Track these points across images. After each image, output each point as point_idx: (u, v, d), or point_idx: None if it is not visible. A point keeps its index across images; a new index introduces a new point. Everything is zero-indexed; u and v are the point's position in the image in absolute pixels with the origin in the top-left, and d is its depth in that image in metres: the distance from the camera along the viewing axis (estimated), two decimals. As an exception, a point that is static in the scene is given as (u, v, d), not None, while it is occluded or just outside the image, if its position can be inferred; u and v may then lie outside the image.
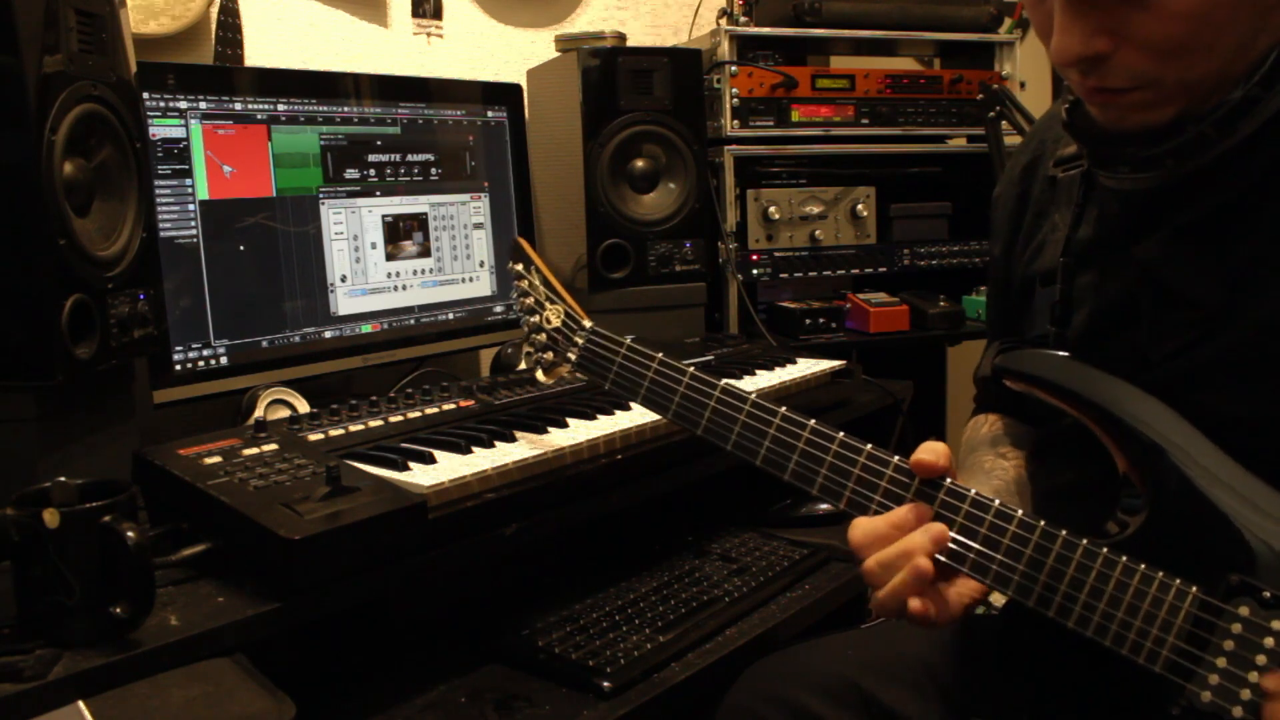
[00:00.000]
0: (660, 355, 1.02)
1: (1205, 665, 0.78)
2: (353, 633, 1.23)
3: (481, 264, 1.87)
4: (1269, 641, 0.77)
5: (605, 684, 1.10)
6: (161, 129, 1.43)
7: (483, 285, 1.88)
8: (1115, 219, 0.91)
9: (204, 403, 1.49)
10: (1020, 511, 0.84)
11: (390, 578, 1.05)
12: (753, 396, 0.94)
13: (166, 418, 1.46)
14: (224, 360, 1.50)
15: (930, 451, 0.86)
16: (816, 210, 2.15)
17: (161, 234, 1.41)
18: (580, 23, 2.35)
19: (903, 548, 0.84)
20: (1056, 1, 0.79)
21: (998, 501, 0.85)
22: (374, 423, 1.29)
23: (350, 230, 1.66)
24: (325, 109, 1.63)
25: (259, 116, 1.55)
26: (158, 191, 1.41)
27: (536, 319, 1.14)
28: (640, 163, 1.96)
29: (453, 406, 1.38)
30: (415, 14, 2.13)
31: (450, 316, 1.82)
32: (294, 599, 0.97)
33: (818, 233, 2.14)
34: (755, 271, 2.09)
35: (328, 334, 1.64)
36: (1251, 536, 0.79)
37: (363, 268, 1.68)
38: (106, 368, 1.17)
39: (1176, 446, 0.82)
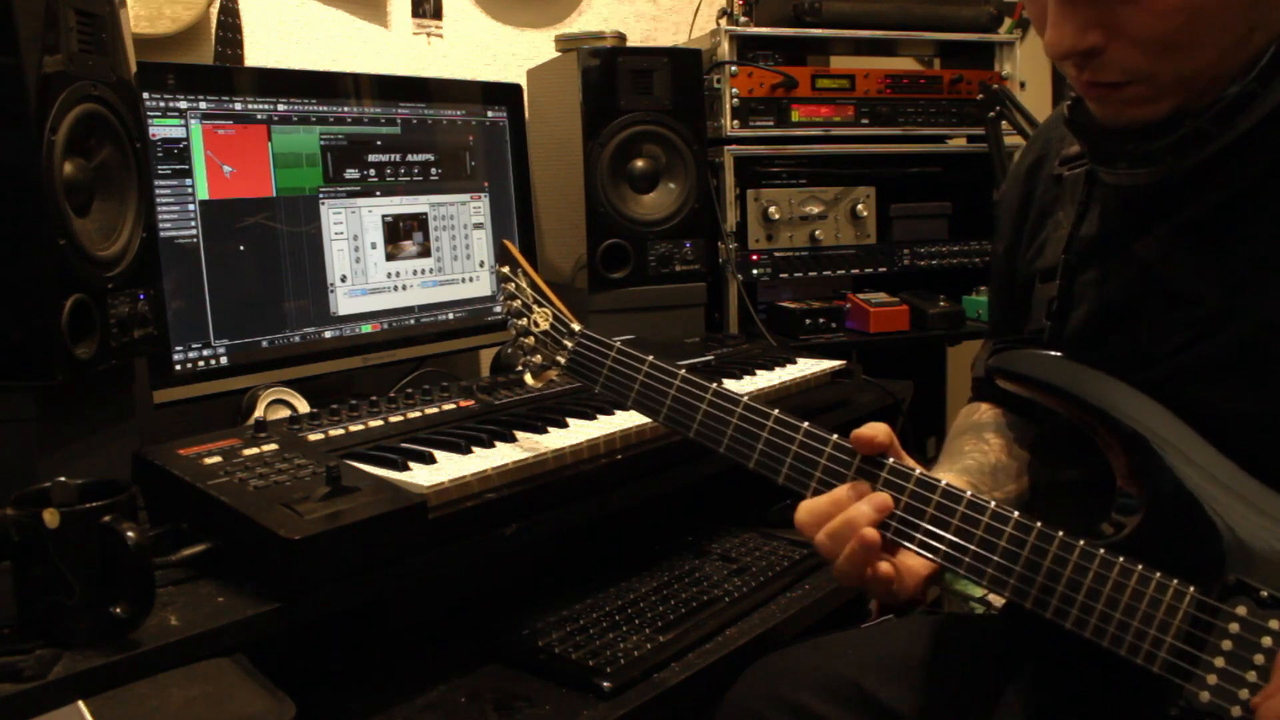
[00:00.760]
0: (651, 358, 1.01)
1: (1203, 665, 0.78)
2: (353, 633, 1.22)
3: (481, 264, 1.87)
4: (1267, 641, 0.77)
5: (605, 684, 1.10)
6: (161, 129, 1.43)
7: (483, 285, 1.88)
8: (1116, 216, 0.91)
9: (204, 403, 1.49)
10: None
11: (390, 578, 1.05)
12: (745, 399, 0.94)
13: (166, 418, 1.46)
14: (224, 360, 1.50)
15: (870, 427, 0.88)
16: (816, 210, 2.15)
17: (161, 234, 1.41)
18: (580, 23, 2.35)
19: (847, 517, 0.85)
20: None
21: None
22: (374, 423, 1.29)
23: (350, 230, 1.66)
24: (325, 109, 1.63)
25: (259, 116, 1.55)
26: (158, 191, 1.41)
27: (524, 322, 1.13)
28: (640, 163, 1.96)
29: (453, 406, 1.38)
30: (415, 14, 2.13)
31: (450, 316, 1.82)
32: (294, 599, 0.97)
33: (818, 233, 2.14)
34: (755, 271, 2.09)
35: (328, 334, 1.64)
36: (1248, 536, 0.79)
37: (363, 268, 1.68)
38: (106, 368, 1.17)
39: (1171, 446, 0.82)
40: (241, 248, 1.52)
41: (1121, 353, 0.87)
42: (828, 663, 1.10)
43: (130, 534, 0.87)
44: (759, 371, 1.62)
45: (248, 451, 1.14)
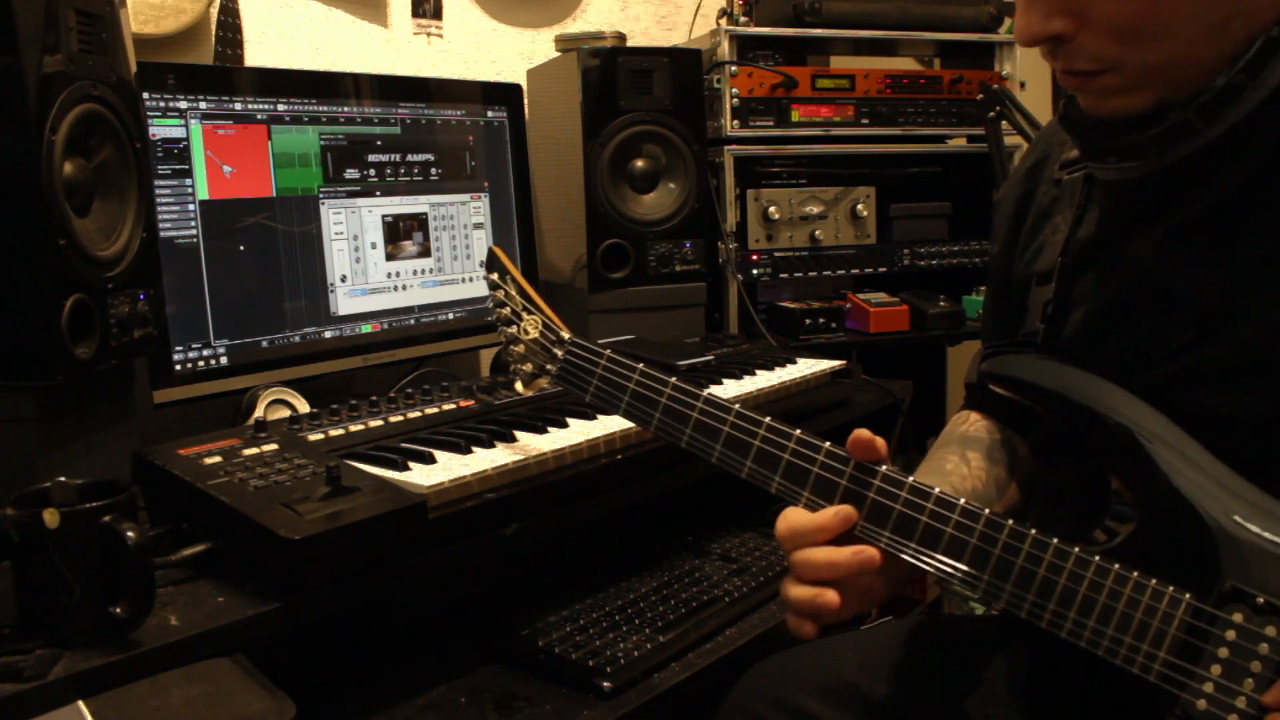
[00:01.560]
0: (641, 366, 1.00)
1: (1199, 674, 0.77)
2: (353, 633, 1.22)
3: (481, 264, 1.87)
4: (1263, 648, 0.76)
5: (605, 684, 1.10)
6: (161, 129, 1.43)
7: (482, 285, 1.86)
8: (1111, 217, 0.91)
9: (204, 403, 1.49)
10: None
11: (390, 578, 1.05)
12: (736, 408, 0.93)
13: (166, 418, 1.46)
14: (224, 360, 1.50)
15: (865, 433, 0.87)
16: (816, 210, 2.15)
17: (161, 234, 1.41)
18: (580, 23, 2.35)
19: (831, 560, 0.83)
20: None
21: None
22: (374, 423, 1.29)
23: (350, 230, 1.66)
24: (325, 109, 1.63)
25: (259, 116, 1.55)
26: (158, 191, 1.41)
27: (514, 330, 1.12)
28: (640, 163, 1.96)
29: (453, 406, 1.38)
30: (415, 14, 2.13)
31: (450, 316, 1.82)
32: (294, 599, 0.97)
33: (818, 233, 2.14)
34: (755, 271, 2.09)
35: (328, 334, 1.64)
36: (1244, 541, 0.78)
37: (363, 268, 1.68)
38: (106, 368, 1.17)
39: (1163, 444, 0.81)
40: (241, 248, 1.52)
41: (1118, 356, 0.86)
42: (826, 664, 1.10)
43: (130, 534, 0.87)
44: (759, 371, 1.62)
45: (248, 451, 1.14)
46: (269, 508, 1.00)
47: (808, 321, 2.08)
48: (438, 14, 2.16)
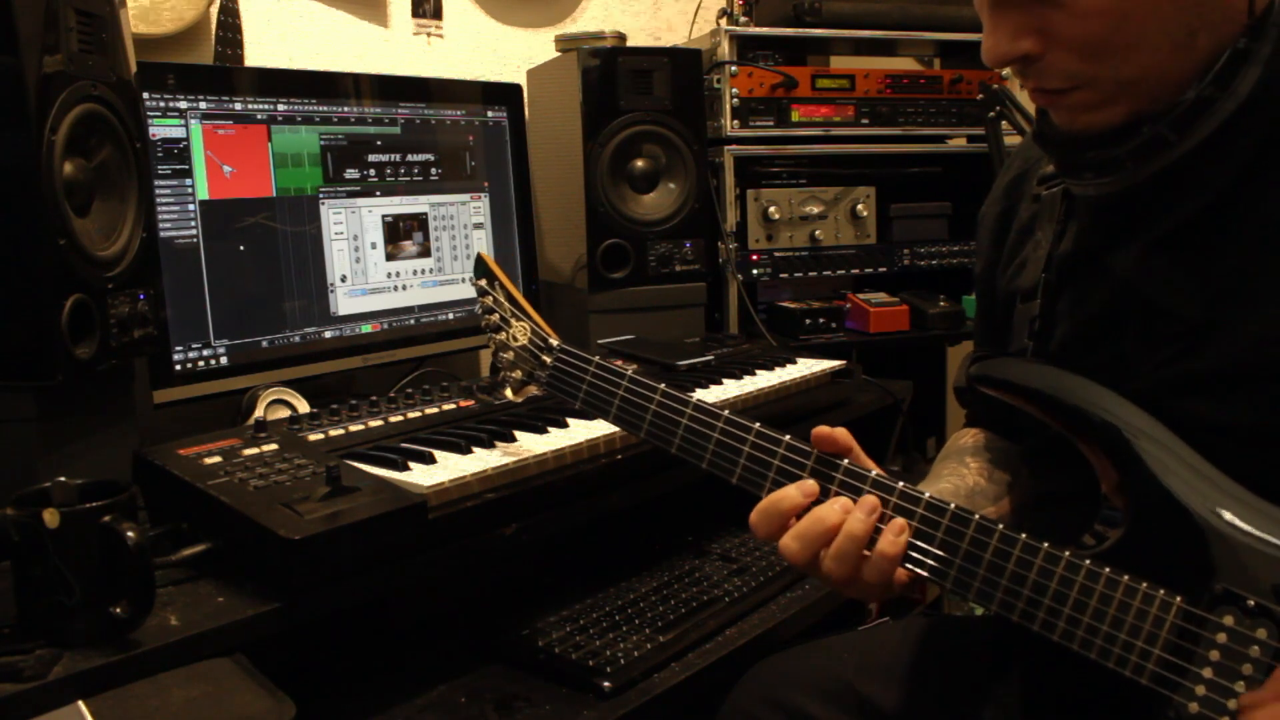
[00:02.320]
0: (631, 372, 1.00)
1: (1191, 676, 0.77)
2: (353, 633, 1.23)
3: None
4: (1254, 650, 0.76)
5: (605, 684, 1.10)
6: (161, 129, 1.43)
7: (483, 285, 1.87)
8: (1091, 231, 0.91)
9: (204, 403, 1.49)
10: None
11: (390, 578, 1.05)
12: (726, 414, 0.93)
13: (166, 418, 1.46)
14: (224, 360, 1.50)
15: (829, 428, 0.89)
16: (816, 210, 2.15)
17: (161, 234, 1.41)
18: (580, 23, 2.35)
19: (847, 530, 0.85)
20: (984, 4, 0.82)
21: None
22: (374, 423, 1.29)
23: (350, 230, 1.66)
24: (325, 109, 1.63)
25: (259, 116, 1.55)
26: (158, 191, 1.41)
27: (502, 336, 1.12)
28: (640, 163, 1.96)
29: (453, 406, 1.38)
30: (415, 14, 2.13)
31: (450, 316, 1.82)
32: (294, 599, 0.97)
33: (818, 233, 2.14)
34: (755, 271, 2.09)
35: (328, 334, 1.64)
36: (1235, 544, 0.78)
37: (363, 268, 1.68)
38: (106, 368, 1.17)
39: (1151, 440, 0.81)
40: (241, 248, 1.52)
41: (1105, 369, 0.86)
42: (824, 665, 1.10)
43: (130, 534, 0.87)
44: (759, 371, 1.62)
45: (248, 451, 1.14)
46: (269, 508, 1.00)
47: (808, 321, 2.08)
48: (438, 14, 2.16)
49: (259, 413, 1.47)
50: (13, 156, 1.06)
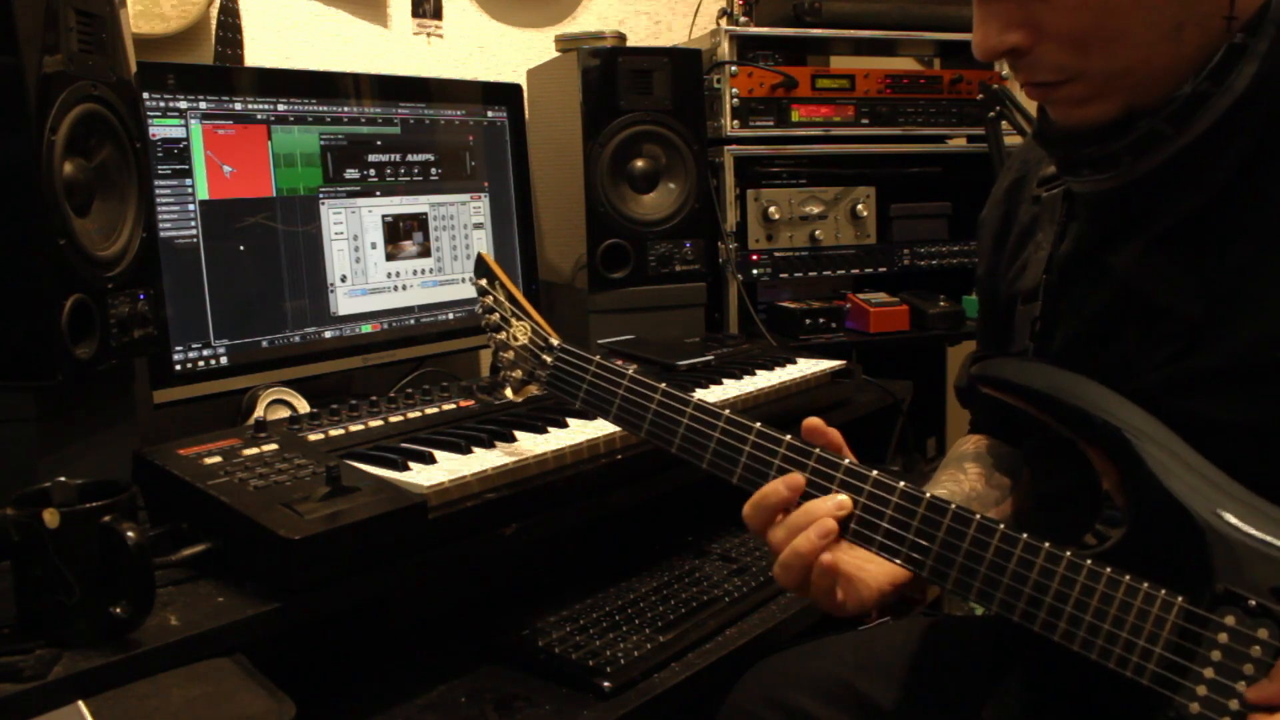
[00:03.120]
0: (632, 371, 1.00)
1: (1193, 676, 0.77)
2: (353, 633, 1.23)
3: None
4: (1256, 650, 0.76)
5: (605, 684, 1.10)
6: (161, 129, 1.43)
7: (483, 285, 1.87)
8: (1091, 230, 0.91)
9: (204, 403, 1.49)
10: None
11: (390, 577, 1.05)
12: (726, 413, 0.93)
13: (166, 418, 1.46)
14: (224, 360, 1.50)
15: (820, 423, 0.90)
16: (816, 210, 2.15)
17: (161, 234, 1.41)
18: (580, 23, 2.35)
19: (809, 511, 0.86)
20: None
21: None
22: (374, 423, 1.29)
23: (350, 230, 1.66)
24: (325, 109, 1.63)
25: (259, 116, 1.55)
26: (158, 191, 1.41)
27: (503, 336, 1.12)
28: (640, 163, 1.96)
29: (453, 406, 1.38)
30: (415, 14, 2.13)
31: (450, 316, 1.82)
32: (294, 599, 0.97)
33: (818, 233, 2.14)
34: (755, 271, 2.09)
35: (328, 334, 1.64)
36: (1236, 544, 0.77)
37: (363, 268, 1.68)
38: (106, 368, 1.17)
39: (1152, 441, 0.81)
40: (241, 248, 1.52)
41: (1106, 369, 0.86)
42: (824, 665, 1.10)
43: (130, 534, 0.87)
44: (759, 371, 1.62)
45: (248, 451, 1.14)
46: (269, 508, 1.00)
47: (808, 321, 2.08)
48: (438, 14, 2.16)
49: (259, 413, 1.47)
50: (13, 156, 1.06)
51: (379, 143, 1.70)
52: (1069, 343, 0.93)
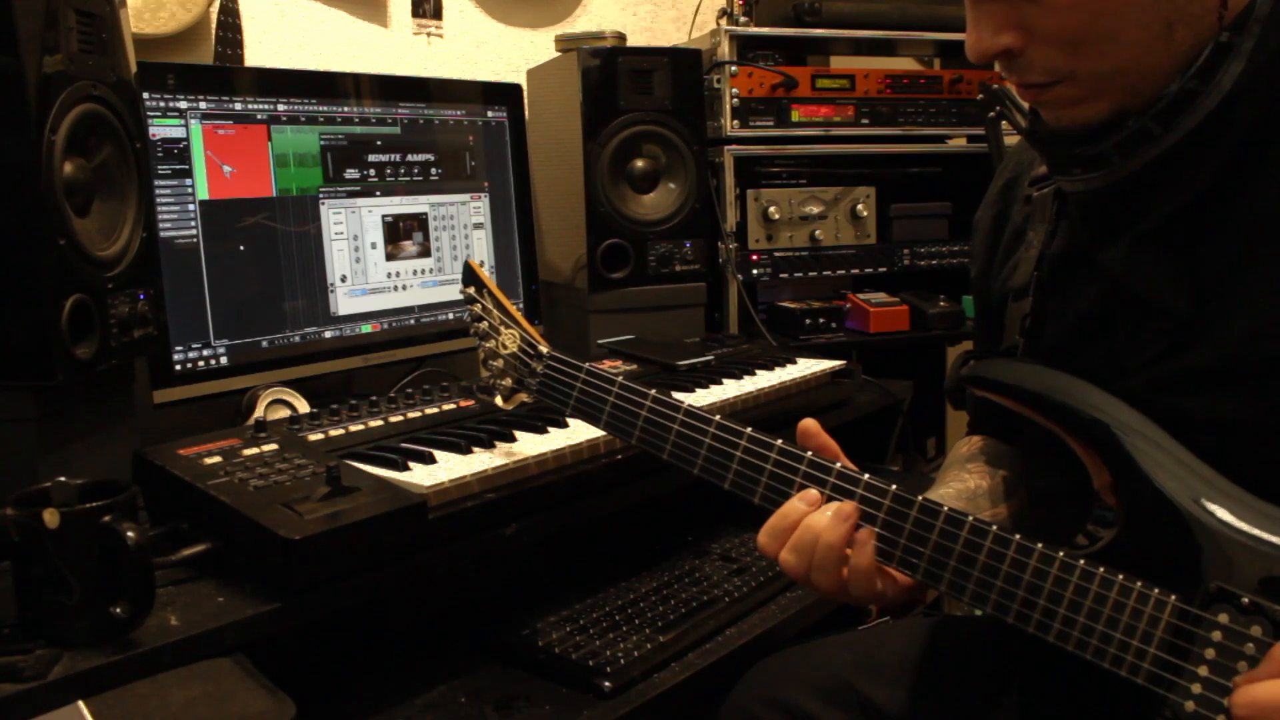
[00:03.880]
0: (620, 379, 1.00)
1: (1187, 675, 0.77)
2: (353, 633, 1.23)
3: (482, 264, 1.87)
4: (1249, 648, 0.76)
5: (605, 684, 1.10)
6: (161, 129, 1.43)
7: (483, 285, 1.87)
8: (1081, 228, 0.92)
9: (204, 403, 1.49)
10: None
11: (390, 578, 1.05)
12: (717, 419, 0.93)
13: (166, 418, 1.46)
14: (224, 360, 1.50)
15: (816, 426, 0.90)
16: (816, 210, 2.15)
17: (161, 234, 1.41)
18: (580, 23, 2.35)
19: (810, 527, 0.85)
20: (968, 1, 0.83)
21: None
22: (374, 423, 1.29)
23: (350, 230, 1.66)
24: (325, 109, 1.63)
25: (259, 116, 1.55)
26: (158, 191, 1.41)
27: (492, 344, 1.12)
28: (640, 163, 1.96)
29: (453, 406, 1.38)
30: (415, 14, 2.13)
31: (450, 316, 1.82)
32: (294, 599, 0.97)
33: (818, 233, 2.14)
34: (755, 271, 2.09)
35: (328, 334, 1.64)
36: (1227, 540, 0.78)
37: (363, 268, 1.68)
38: (106, 368, 1.17)
39: (1142, 438, 0.81)
40: (241, 248, 1.52)
41: (1096, 366, 0.86)
42: (823, 664, 1.10)
43: (130, 534, 0.87)
44: (759, 371, 1.62)
45: (248, 451, 1.14)
46: (269, 508, 1.00)
47: (808, 321, 2.08)
48: (438, 14, 2.16)
49: (259, 413, 1.47)
50: (13, 156, 1.05)
51: (379, 143, 1.70)
52: (1058, 340, 0.93)
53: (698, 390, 1.50)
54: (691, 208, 1.98)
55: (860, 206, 2.17)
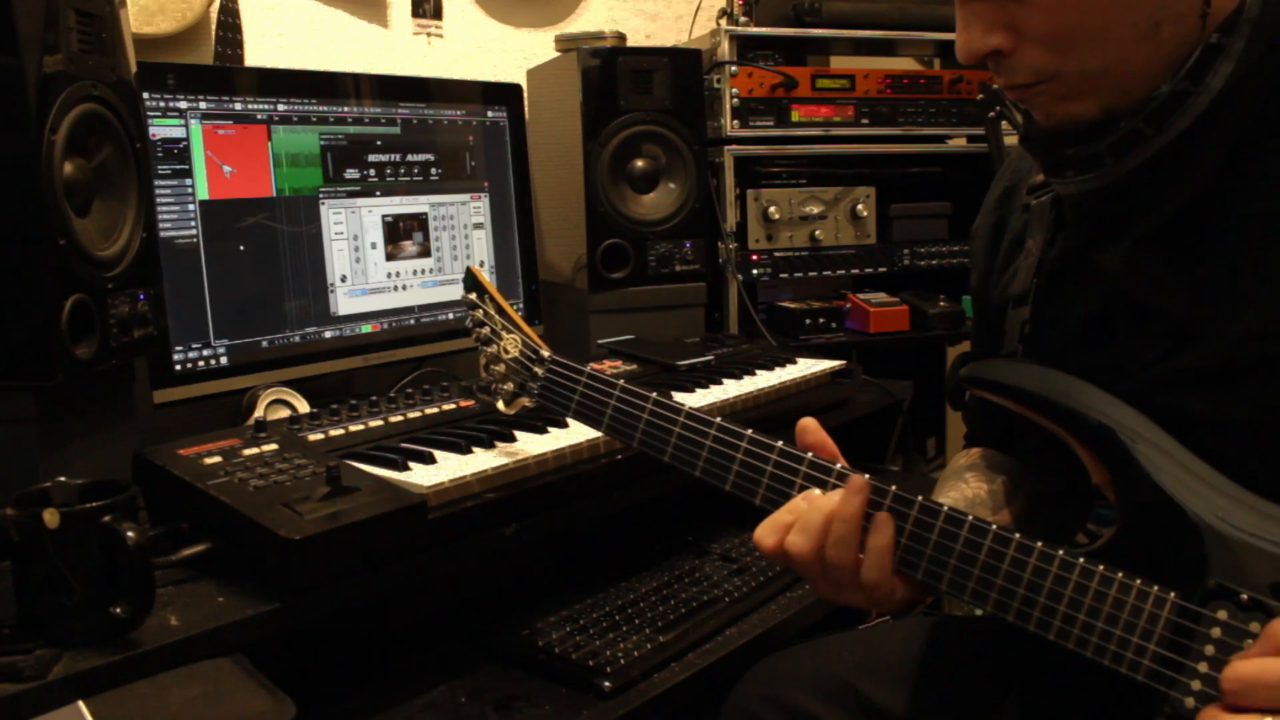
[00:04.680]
0: (621, 382, 1.00)
1: (1187, 672, 0.77)
2: (353, 633, 1.23)
3: (481, 264, 1.87)
4: (1248, 644, 0.76)
5: (605, 684, 1.10)
6: (161, 129, 1.43)
7: (483, 285, 1.87)
8: (1078, 232, 0.92)
9: (204, 403, 1.49)
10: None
11: (390, 578, 1.05)
12: (718, 421, 0.93)
13: (166, 418, 1.46)
14: (224, 360, 1.50)
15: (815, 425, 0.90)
16: (816, 210, 2.15)
17: (161, 234, 1.41)
18: (580, 23, 2.35)
19: (827, 510, 0.84)
20: (957, 1, 0.84)
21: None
22: (374, 423, 1.29)
23: (350, 230, 1.66)
24: (325, 109, 1.63)
25: (259, 116, 1.55)
26: (158, 191, 1.41)
27: (494, 349, 1.12)
28: (640, 163, 1.96)
29: (453, 406, 1.38)
30: (415, 14, 2.13)
31: (450, 316, 1.82)
32: (294, 599, 0.97)
33: (818, 233, 2.14)
34: (755, 271, 2.09)
35: (328, 334, 1.64)
36: (1227, 538, 0.78)
37: (363, 268, 1.68)
38: (106, 368, 1.17)
39: (1143, 440, 0.81)
40: (241, 248, 1.52)
41: (1096, 369, 0.86)
42: (823, 664, 1.10)
43: (130, 534, 0.87)
44: (759, 371, 1.62)
45: (248, 451, 1.14)
46: (269, 508, 1.00)
47: (808, 321, 2.08)
48: (438, 14, 2.16)
49: (259, 413, 1.47)
50: (13, 156, 1.05)
51: (379, 143, 1.70)
52: (1059, 345, 0.93)
53: (698, 390, 1.50)
54: (691, 208, 1.98)
55: (860, 206, 2.17)
